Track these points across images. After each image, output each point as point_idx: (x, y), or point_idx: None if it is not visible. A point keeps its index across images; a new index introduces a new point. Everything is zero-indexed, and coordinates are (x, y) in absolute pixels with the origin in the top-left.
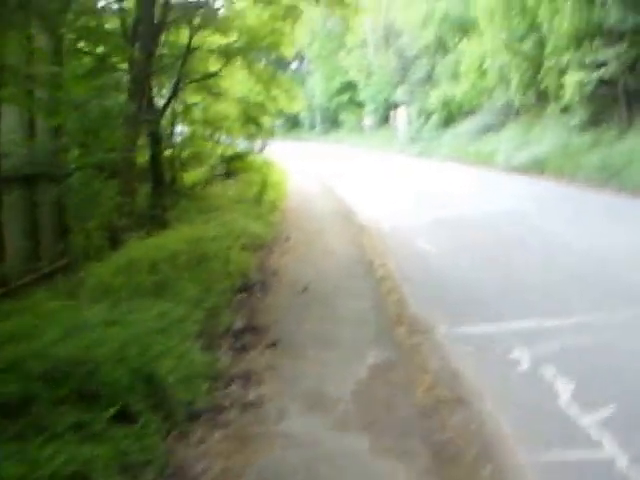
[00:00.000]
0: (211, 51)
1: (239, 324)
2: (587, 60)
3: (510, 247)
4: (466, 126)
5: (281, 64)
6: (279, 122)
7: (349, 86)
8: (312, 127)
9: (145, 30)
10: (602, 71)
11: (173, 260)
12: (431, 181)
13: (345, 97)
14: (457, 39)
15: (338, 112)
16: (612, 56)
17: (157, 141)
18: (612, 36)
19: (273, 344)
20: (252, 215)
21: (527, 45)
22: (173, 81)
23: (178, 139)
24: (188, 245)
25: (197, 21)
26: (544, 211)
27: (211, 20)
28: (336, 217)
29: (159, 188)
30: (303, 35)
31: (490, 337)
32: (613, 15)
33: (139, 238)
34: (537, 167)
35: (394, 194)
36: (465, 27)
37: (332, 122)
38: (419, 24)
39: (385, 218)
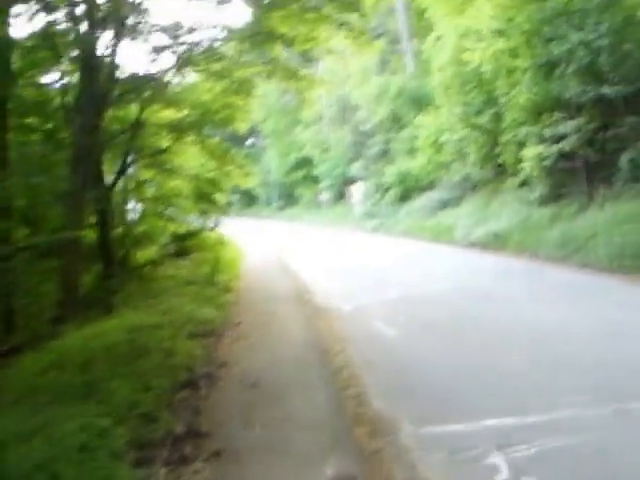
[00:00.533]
0: (161, 126)
1: (179, 429)
2: (547, 133)
3: (473, 327)
4: (423, 201)
5: (236, 140)
6: (235, 198)
7: (305, 162)
8: (268, 203)
9: (88, 104)
10: (562, 144)
11: (110, 353)
12: (388, 258)
13: (301, 173)
14: (412, 114)
15: (294, 188)
16: (572, 129)
17: (105, 219)
18: (571, 109)
19: (217, 453)
20: (202, 298)
21: (484, 119)
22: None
23: (135, 216)
24: (129, 334)
25: (146, 95)
26: (505, 288)
27: (161, 94)
28: (291, 298)
29: (109, 268)
30: (258, 110)
31: (462, 438)
32: (572, 88)
33: (79, 325)
34: (497, 242)
35: (351, 272)
36: (420, 102)
37: (288, 198)
38: (374, 99)
39: (342, 298)
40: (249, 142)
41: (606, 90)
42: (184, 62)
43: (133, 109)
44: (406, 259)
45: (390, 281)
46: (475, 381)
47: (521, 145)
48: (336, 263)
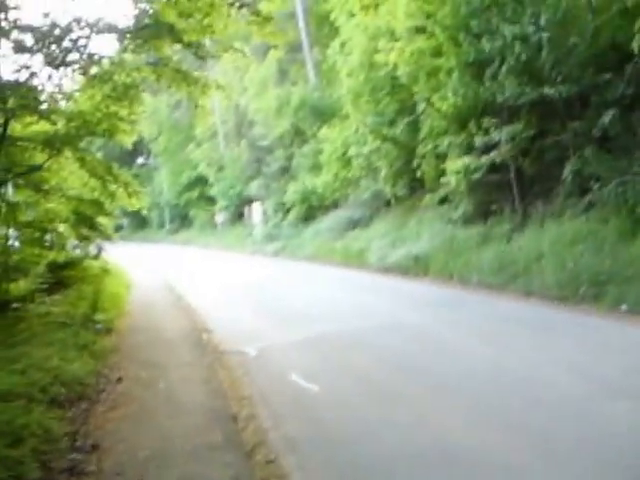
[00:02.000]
0: (34, 141)
1: None
2: (477, 142)
3: (408, 375)
4: (330, 221)
5: (124, 159)
6: (124, 221)
7: (199, 181)
8: (161, 226)
9: None
10: (493, 154)
11: None
12: (294, 288)
13: (195, 193)
14: (316, 127)
15: (188, 209)
16: (505, 137)
17: None
18: (503, 114)
19: None
20: (76, 345)
21: (397, 129)
22: None
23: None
24: None
25: (11, 104)
26: (443, 324)
27: (30, 104)
28: (186, 341)
29: None
30: (147, 127)
31: None
32: (507, 89)
33: None
34: (418, 267)
35: (253, 305)
36: (324, 114)
37: (182, 220)
38: (273, 112)
39: (245, 338)
40: (139, 162)
41: (547, 90)
42: (56, 65)
43: None
44: (315, 289)
45: (299, 317)
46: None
47: (442, 157)
48: (235, 294)
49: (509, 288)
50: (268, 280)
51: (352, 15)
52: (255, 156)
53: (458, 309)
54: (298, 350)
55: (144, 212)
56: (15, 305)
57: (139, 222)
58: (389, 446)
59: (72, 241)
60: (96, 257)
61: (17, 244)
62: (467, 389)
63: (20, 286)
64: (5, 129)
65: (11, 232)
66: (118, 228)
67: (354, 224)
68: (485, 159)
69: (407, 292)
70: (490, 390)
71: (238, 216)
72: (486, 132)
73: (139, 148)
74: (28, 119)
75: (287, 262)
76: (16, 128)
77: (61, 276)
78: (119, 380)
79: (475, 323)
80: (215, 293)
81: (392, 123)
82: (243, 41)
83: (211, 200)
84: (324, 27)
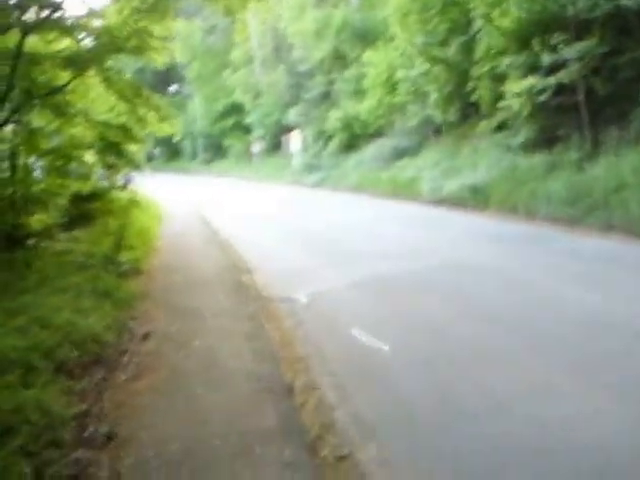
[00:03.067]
0: (56, 59)
1: None
2: (544, 61)
3: (500, 329)
4: (374, 150)
5: (157, 87)
6: (155, 151)
7: (234, 109)
8: (194, 156)
9: None
10: (561, 74)
11: None
12: (341, 223)
13: (230, 121)
14: (358, 51)
15: (223, 138)
16: (575, 55)
17: None
18: (570, 30)
19: None
20: (94, 291)
21: (449, 50)
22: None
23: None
24: None
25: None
26: (516, 262)
27: (51, 16)
28: (224, 283)
29: None
30: (180, 50)
31: None
32: (580, 0)
33: None
34: (476, 198)
35: (299, 241)
36: (367, 36)
37: (216, 150)
38: (313, 36)
39: (293, 283)
40: (171, 89)
41: (625, 1)
42: None
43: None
44: (364, 222)
45: (351, 255)
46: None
47: (500, 79)
48: (276, 229)
49: (585, 221)
50: (311, 213)
51: None
52: (294, 82)
53: (533, 245)
54: (355, 295)
55: (176, 140)
56: (30, 241)
57: (172, 152)
58: (501, 431)
59: (98, 171)
60: (124, 188)
61: (39, 174)
62: (592, 353)
63: (42, 219)
64: (21, 45)
65: (33, 161)
66: (150, 158)
67: (401, 153)
68: (553, 79)
69: (467, 226)
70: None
71: (275, 146)
72: (553, 49)
73: (172, 75)
74: (49, 35)
75: (329, 193)
76: (36, 45)
77: (85, 209)
78: (146, 337)
79: (560, 262)
80: (254, 227)
81: (443, 43)
82: None
83: (247, 129)
84: None
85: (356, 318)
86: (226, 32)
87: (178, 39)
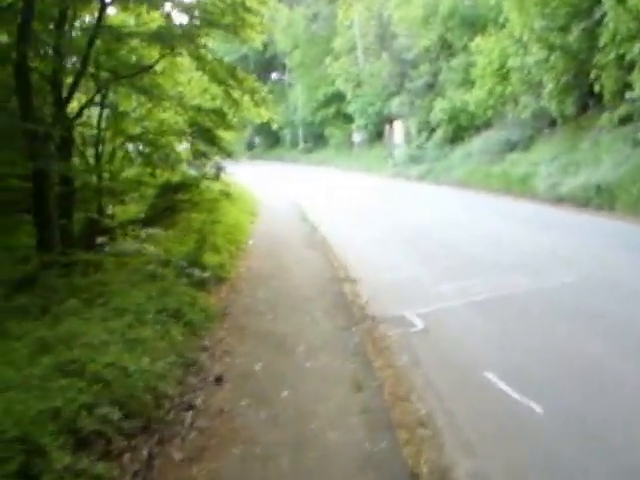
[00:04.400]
0: (141, 35)
1: None
2: None
3: None
4: (482, 142)
5: (259, 75)
6: (255, 139)
7: (335, 98)
8: (294, 145)
9: None
10: None
11: None
12: (453, 222)
13: (331, 110)
14: (466, 38)
15: (323, 127)
16: None
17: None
18: None
19: None
20: (163, 311)
21: (569, 36)
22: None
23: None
24: None
25: None
26: None
27: None
28: (323, 297)
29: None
30: (282, 38)
31: None
32: None
33: None
34: (601, 198)
35: (404, 245)
36: (477, 23)
37: (317, 139)
38: (419, 22)
39: (403, 297)
40: (273, 77)
41: None
42: None
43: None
44: (480, 223)
45: (469, 263)
46: None
47: (627, 68)
48: (380, 226)
49: None
50: (417, 209)
51: None
52: (397, 71)
53: None
54: (479, 321)
55: (277, 128)
56: (100, 240)
57: (272, 140)
58: None
59: (187, 159)
60: (215, 178)
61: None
62: None
63: (128, 210)
64: (101, 17)
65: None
66: (250, 146)
67: (512, 146)
68: None
69: (598, 230)
70: None
71: (377, 136)
72: None
73: (274, 63)
74: (135, 10)
75: (434, 187)
76: (122, 21)
77: (173, 200)
78: (218, 381)
79: None
80: (355, 224)
81: (563, 29)
82: None
83: (348, 118)
84: None
85: (486, 355)
86: (329, 20)
87: (280, 27)
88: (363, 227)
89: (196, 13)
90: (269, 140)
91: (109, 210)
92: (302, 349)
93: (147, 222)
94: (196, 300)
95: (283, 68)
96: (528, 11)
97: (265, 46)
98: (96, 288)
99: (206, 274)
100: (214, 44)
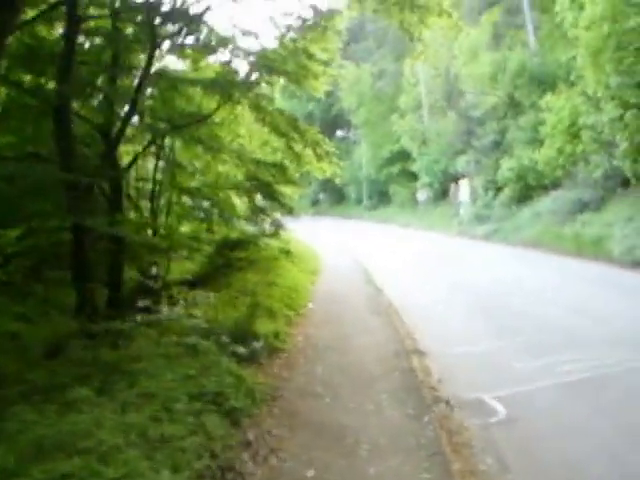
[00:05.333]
0: (197, 82)
1: None
2: None
3: None
4: (551, 202)
5: (324, 132)
6: (320, 195)
7: (400, 155)
8: (359, 202)
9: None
10: None
11: None
12: (529, 288)
13: (396, 168)
14: (534, 96)
15: (388, 185)
16: None
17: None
18: None
19: None
20: (198, 397)
21: None
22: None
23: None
24: None
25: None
26: None
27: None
28: (389, 374)
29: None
30: (348, 96)
31: None
32: None
33: None
34: None
35: (477, 312)
36: (546, 80)
37: (381, 196)
38: (487, 80)
39: (480, 376)
40: (338, 134)
41: None
42: None
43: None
44: (560, 290)
45: (554, 335)
46: None
47: None
48: (449, 290)
49: None
50: (487, 273)
51: None
52: (464, 128)
53: None
54: (578, 407)
55: (342, 185)
56: (142, 304)
57: (337, 197)
58: None
59: (245, 215)
60: (275, 235)
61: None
62: None
63: (184, 268)
64: (151, 60)
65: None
66: (314, 202)
67: (582, 207)
68: None
69: None
70: None
71: (442, 194)
72: None
73: (339, 121)
74: (192, 55)
75: (502, 248)
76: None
77: (229, 258)
78: None
79: None
80: (422, 289)
81: (639, 86)
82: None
83: (413, 176)
84: None
85: (591, 461)
86: (394, 77)
87: (346, 84)
88: (430, 291)
89: (256, 60)
90: (333, 196)
91: (158, 269)
92: (365, 448)
93: (197, 282)
94: (242, 380)
95: (348, 126)
96: (603, 68)
97: (331, 105)
98: (123, 365)
99: (258, 344)
100: (280, 103)
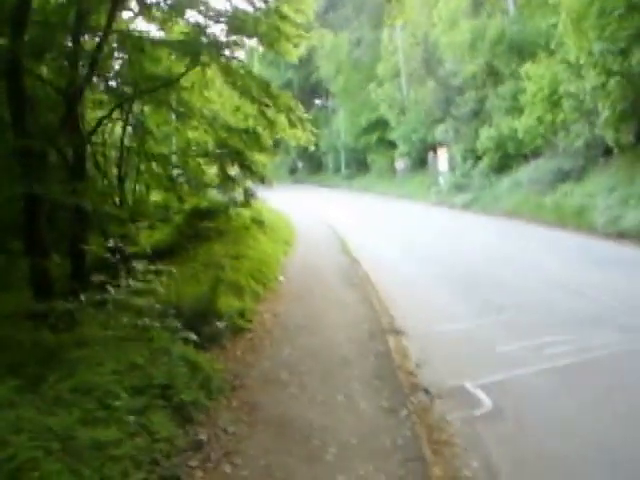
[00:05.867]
0: (165, 44)
1: None
2: None
3: None
4: (531, 172)
5: (302, 101)
6: (298, 164)
7: (378, 124)
8: (337, 171)
9: None
10: None
11: None
12: (511, 260)
13: (374, 137)
14: (514, 64)
15: (366, 154)
16: None
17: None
18: None
19: None
20: (145, 390)
21: (633, 59)
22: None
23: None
24: None
25: None
26: None
27: None
28: (364, 358)
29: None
30: (326, 63)
31: None
32: None
33: None
34: None
35: (457, 286)
36: (526, 48)
37: (359, 165)
38: (466, 48)
39: (461, 358)
40: (316, 103)
41: None
42: None
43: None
44: (543, 262)
45: (539, 314)
46: None
47: None
48: (429, 263)
49: None
50: (467, 243)
51: None
52: (442, 97)
53: None
54: (568, 402)
55: (317, 151)
56: (96, 279)
57: (315, 166)
58: None
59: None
60: (246, 204)
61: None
62: None
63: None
64: (111, 20)
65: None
66: (293, 170)
67: (563, 176)
68: None
69: None
70: None
71: (420, 163)
72: None
73: (318, 89)
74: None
75: (481, 218)
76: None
77: (197, 228)
78: None
79: None
80: (401, 259)
81: (623, 53)
82: None
83: (391, 145)
84: None
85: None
86: (372, 45)
87: (324, 52)
88: (410, 263)
89: (226, 21)
90: (312, 165)
91: (124, 240)
92: (333, 451)
93: (162, 254)
94: (198, 368)
95: (327, 94)
96: (585, 34)
97: (310, 73)
98: (63, 351)
99: (222, 323)
100: (259, 70)
